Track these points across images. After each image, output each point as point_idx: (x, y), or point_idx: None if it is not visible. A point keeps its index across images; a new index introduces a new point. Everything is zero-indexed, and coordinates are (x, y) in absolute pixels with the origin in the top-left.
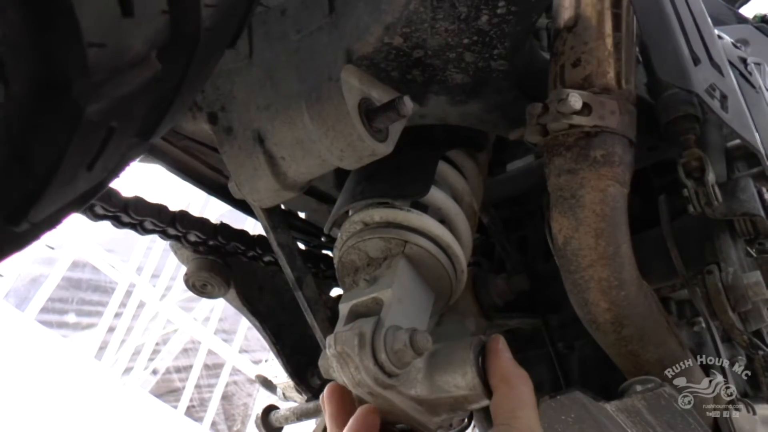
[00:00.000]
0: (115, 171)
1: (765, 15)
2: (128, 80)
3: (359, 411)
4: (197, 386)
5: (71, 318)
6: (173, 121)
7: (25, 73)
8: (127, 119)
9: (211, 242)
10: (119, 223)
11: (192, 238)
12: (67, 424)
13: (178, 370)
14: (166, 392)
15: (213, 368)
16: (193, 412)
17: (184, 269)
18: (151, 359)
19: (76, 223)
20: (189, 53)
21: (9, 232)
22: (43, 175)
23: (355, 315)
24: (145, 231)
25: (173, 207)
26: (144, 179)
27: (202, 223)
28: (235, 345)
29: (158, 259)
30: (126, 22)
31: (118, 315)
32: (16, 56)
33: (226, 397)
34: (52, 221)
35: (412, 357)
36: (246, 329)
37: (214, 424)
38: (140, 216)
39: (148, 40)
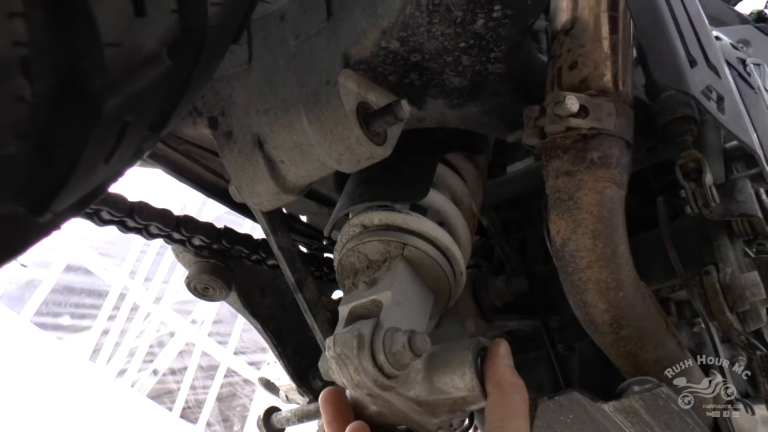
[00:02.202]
0: (128, 163)
1: (761, 11)
2: (142, 76)
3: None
4: (192, 388)
5: (66, 320)
6: (182, 115)
7: (48, 72)
8: (140, 113)
9: (215, 246)
10: (125, 227)
11: (196, 242)
12: (63, 427)
13: (173, 372)
14: (161, 394)
15: (208, 370)
16: (189, 414)
17: (177, 272)
18: (146, 362)
19: (69, 227)
20: (197, 50)
21: (33, 222)
22: (65, 167)
23: (354, 317)
24: (150, 235)
25: (177, 211)
26: (141, 182)
27: (206, 228)
28: (230, 347)
29: (151, 263)
30: (139, 21)
31: (112, 318)
32: (40, 57)
33: (222, 399)
34: (71, 211)
35: (411, 358)
36: (241, 331)
37: (209, 425)
38: (145, 221)
39: (159, 38)
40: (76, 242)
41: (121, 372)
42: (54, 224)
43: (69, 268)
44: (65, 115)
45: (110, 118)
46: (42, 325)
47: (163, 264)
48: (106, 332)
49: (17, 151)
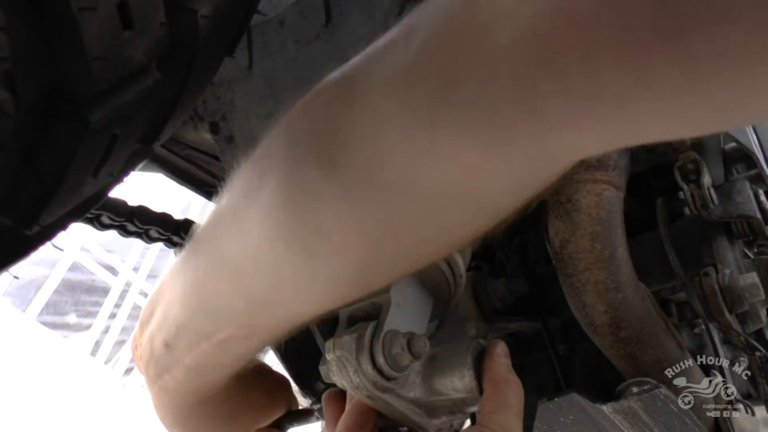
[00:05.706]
0: (118, 176)
1: None
2: (130, 89)
3: (350, 407)
4: None
5: (72, 318)
6: (175, 127)
7: (33, 85)
8: (129, 126)
9: None
10: (125, 232)
11: None
12: (70, 425)
13: None
14: None
15: None
16: None
17: None
18: None
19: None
20: (188, 62)
21: (21, 235)
22: (52, 180)
23: (354, 320)
24: (150, 239)
25: (178, 215)
26: (142, 186)
27: None
28: None
29: (156, 259)
30: (127, 34)
31: (119, 315)
32: (24, 70)
33: None
34: (60, 224)
35: (410, 361)
36: None
37: None
38: (145, 225)
39: (148, 50)
40: (80, 240)
41: (128, 371)
42: (43, 237)
43: (74, 266)
44: (51, 129)
45: (98, 132)
46: (48, 324)
47: (170, 260)
48: (114, 330)
49: (0, 164)
